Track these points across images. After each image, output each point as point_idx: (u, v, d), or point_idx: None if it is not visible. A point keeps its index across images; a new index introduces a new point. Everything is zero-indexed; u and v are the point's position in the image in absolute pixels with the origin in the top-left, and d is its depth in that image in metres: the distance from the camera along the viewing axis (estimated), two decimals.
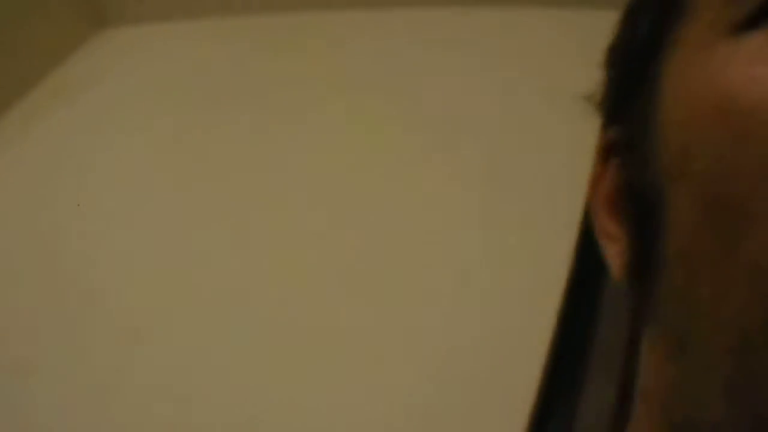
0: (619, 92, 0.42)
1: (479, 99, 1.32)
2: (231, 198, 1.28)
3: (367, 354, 1.04)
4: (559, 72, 1.24)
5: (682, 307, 0.35)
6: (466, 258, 1.12)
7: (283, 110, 1.38)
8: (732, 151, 0.32)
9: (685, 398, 0.34)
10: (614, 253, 0.40)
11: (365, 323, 1.07)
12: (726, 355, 0.32)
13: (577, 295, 1.04)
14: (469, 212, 1.18)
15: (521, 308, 1.04)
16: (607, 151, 0.42)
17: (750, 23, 0.34)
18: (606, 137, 0.42)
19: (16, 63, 1.51)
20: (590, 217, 0.42)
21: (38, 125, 1.46)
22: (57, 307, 1.16)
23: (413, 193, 1.22)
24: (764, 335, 0.30)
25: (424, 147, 1.28)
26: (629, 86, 0.40)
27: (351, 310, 1.08)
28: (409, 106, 1.34)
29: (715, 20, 0.35)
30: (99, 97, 1.50)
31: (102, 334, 1.12)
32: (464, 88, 1.35)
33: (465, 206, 1.19)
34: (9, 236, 1.27)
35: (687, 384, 0.34)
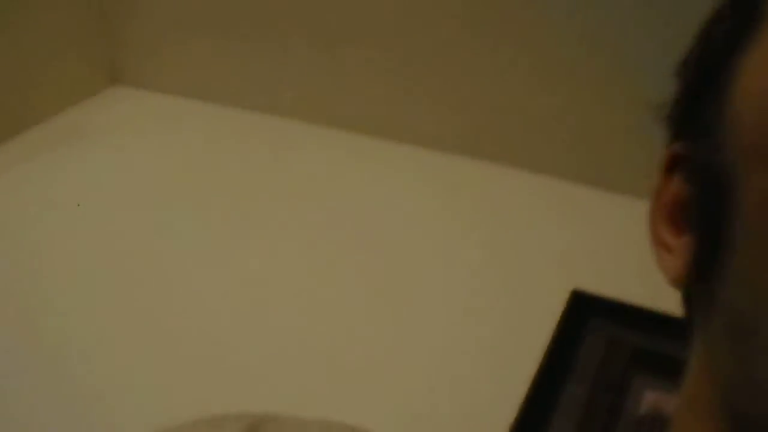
0: (687, 104, 0.41)
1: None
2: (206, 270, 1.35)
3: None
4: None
5: (750, 291, 0.34)
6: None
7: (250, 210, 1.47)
8: None
9: (751, 386, 0.33)
10: (669, 263, 0.40)
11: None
12: None
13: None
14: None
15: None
16: (671, 165, 0.41)
17: None
18: (671, 151, 0.42)
19: (29, 100, 1.60)
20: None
21: (37, 158, 1.54)
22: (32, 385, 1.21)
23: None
24: None
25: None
26: (699, 97, 0.40)
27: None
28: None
29: None
30: (93, 145, 1.59)
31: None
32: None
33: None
34: None
35: (754, 370, 0.33)
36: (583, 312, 1.23)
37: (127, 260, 1.34)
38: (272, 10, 1.60)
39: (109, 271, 1.32)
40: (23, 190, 1.48)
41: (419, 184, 1.52)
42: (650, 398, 1.13)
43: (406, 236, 1.40)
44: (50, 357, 1.17)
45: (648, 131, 1.20)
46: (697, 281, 0.38)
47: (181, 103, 1.73)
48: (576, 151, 1.48)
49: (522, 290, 1.29)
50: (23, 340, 1.20)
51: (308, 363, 1.17)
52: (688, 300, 0.41)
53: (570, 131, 1.47)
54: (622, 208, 1.41)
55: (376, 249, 1.38)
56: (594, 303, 1.24)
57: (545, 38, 1.42)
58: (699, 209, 0.39)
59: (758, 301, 0.33)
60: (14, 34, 1.52)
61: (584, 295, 1.25)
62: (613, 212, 1.42)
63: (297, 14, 1.59)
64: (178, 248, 1.37)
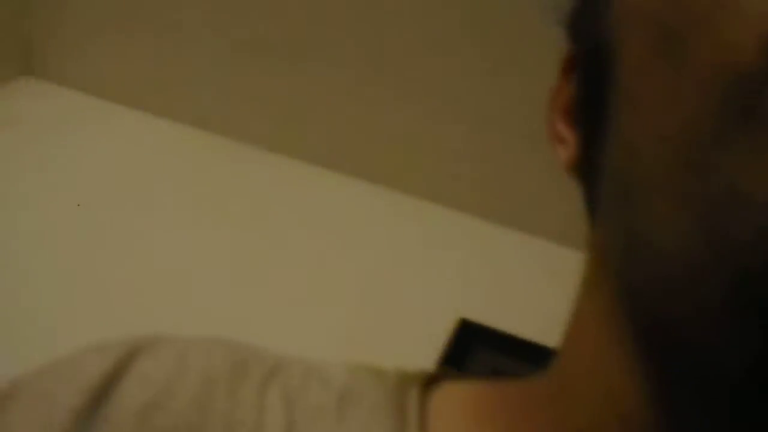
0: (580, 8, 0.43)
1: None
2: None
3: None
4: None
5: (625, 148, 0.34)
6: None
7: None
8: None
9: (637, 246, 0.33)
10: (563, 153, 0.42)
11: None
12: (676, 174, 0.30)
13: None
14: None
15: None
16: (567, 67, 0.43)
17: None
18: (567, 54, 0.43)
19: None
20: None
21: None
22: None
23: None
24: (716, 141, 0.29)
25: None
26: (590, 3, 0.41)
27: None
28: None
29: None
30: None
31: None
32: None
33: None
34: None
35: (636, 226, 0.33)
36: (469, 341, 1.23)
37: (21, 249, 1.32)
38: (201, 15, 1.59)
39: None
40: None
41: (305, 205, 1.52)
42: None
43: (286, 259, 1.39)
44: None
45: (541, 167, 1.23)
46: (587, 162, 0.40)
47: (93, 102, 1.70)
48: (474, 184, 1.49)
49: (408, 317, 1.28)
50: None
51: None
52: (583, 187, 0.42)
53: (468, 163, 1.48)
54: (513, 242, 1.43)
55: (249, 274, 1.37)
56: (480, 333, 1.25)
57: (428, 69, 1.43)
58: (588, 96, 0.40)
59: (633, 155, 0.33)
60: None
61: (471, 324, 1.26)
62: (504, 246, 1.43)
63: (223, 19, 1.58)
64: (78, 241, 1.36)
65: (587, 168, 0.40)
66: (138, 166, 1.57)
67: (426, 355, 1.21)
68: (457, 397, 0.44)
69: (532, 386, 0.42)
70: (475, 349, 1.22)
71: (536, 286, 1.31)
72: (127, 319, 1.23)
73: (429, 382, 0.44)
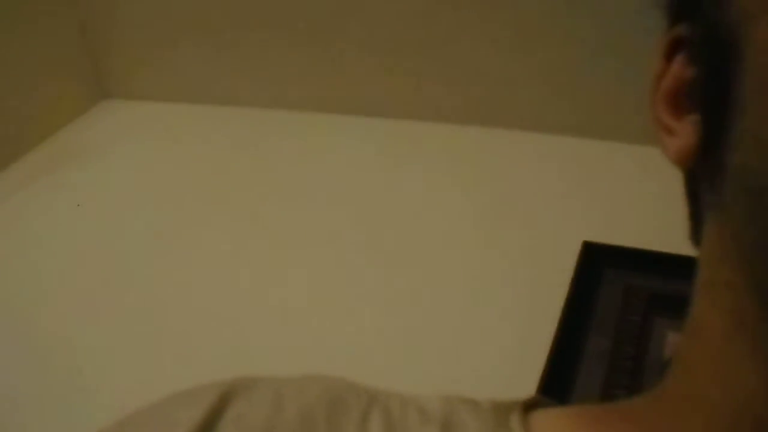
0: None
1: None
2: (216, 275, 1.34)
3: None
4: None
5: (758, 147, 0.32)
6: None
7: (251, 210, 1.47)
8: None
9: None
10: (672, 144, 0.39)
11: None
12: None
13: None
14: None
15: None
16: (671, 49, 0.40)
17: None
18: (670, 35, 0.40)
19: (21, 125, 1.61)
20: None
21: (37, 182, 1.54)
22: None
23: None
24: None
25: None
26: None
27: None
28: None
29: None
30: (94, 164, 1.59)
31: None
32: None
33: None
34: None
35: None
36: (596, 263, 1.23)
37: (136, 278, 1.33)
38: (253, 8, 1.60)
39: (118, 291, 1.31)
40: (25, 216, 1.48)
41: (419, 157, 1.53)
42: (673, 340, 1.13)
43: (413, 209, 1.40)
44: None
45: (638, 78, 1.22)
46: (704, 155, 0.37)
47: (172, 108, 1.73)
48: (571, 105, 1.48)
49: (534, 247, 1.29)
50: (28, 358, 1.20)
51: (324, 354, 1.16)
52: (693, 180, 0.40)
53: (562, 86, 1.47)
54: (618, 155, 1.42)
55: (385, 223, 1.38)
56: (605, 253, 1.24)
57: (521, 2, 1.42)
58: (704, 83, 0.38)
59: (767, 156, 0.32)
60: None
61: (595, 246, 1.25)
62: (612, 160, 1.42)
63: (277, 9, 1.59)
64: (189, 259, 1.36)
65: (704, 162, 0.37)
66: (233, 158, 1.58)
67: (556, 282, 1.21)
68: (560, 419, 0.43)
69: (644, 401, 0.42)
70: (603, 270, 1.22)
71: (648, 195, 1.31)
72: (251, 323, 1.24)
73: (528, 407, 0.44)
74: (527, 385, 1.06)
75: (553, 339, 1.13)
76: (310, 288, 1.28)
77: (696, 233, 0.41)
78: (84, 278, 1.33)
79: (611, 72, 1.40)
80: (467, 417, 0.42)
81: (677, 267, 1.15)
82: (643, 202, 1.33)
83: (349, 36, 1.57)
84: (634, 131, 1.38)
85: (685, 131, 0.38)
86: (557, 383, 1.07)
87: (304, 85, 1.65)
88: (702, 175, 0.39)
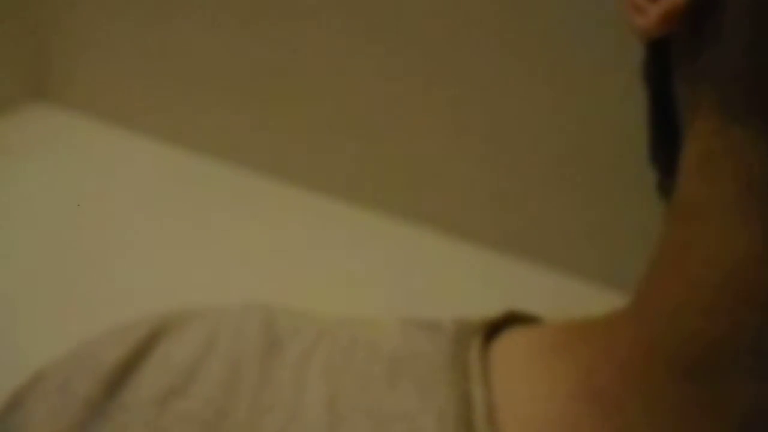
0: None
1: None
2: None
3: None
4: None
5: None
6: None
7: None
8: None
9: None
10: (652, 12, 0.36)
11: None
12: None
13: None
14: None
15: None
16: None
17: None
18: None
19: None
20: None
21: None
22: None
23: None
24: None
25: None
26: None
27: None
28: None
29: None
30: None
31: None
32: None
33: None
34: None
35: None
36: None
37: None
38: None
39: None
40: None
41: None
42: None
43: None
44: None
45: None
46: (695, 18, 0.35)
47: (107, 129, 1.64)
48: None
49: None
50: None
51: None
52: (663, 56, 0.37)
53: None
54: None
55: None
56: None
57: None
58: None
59: None
60: None
61: None
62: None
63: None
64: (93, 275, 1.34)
65: (693, 27, 0.35)
66: (151, 197, 1.52)
67: None
68: (524, 341, 0.41)
69: (623, 310, 0.38)
70: None
71: None
72: None
73: (492, 330, 0.41)
74: None
75: None
76: None
77: (664, 114, 0.38)
78: None
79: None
80: (422, 346, 0.40)
81: None
82: None
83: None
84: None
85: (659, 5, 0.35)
86: None
87: (250, 142, 1.59)
88: (684, 45, 0.36)
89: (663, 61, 0.38)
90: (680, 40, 0.36)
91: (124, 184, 1.54)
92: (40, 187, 1.50)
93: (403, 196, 1.48)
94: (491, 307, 1.23)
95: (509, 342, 0.41)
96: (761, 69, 0.32)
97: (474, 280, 1.39)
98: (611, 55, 1.05)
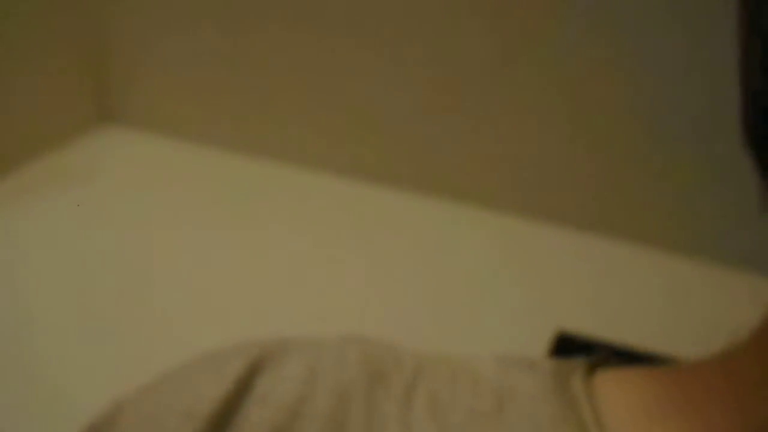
0: None
1: None
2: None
3: None
4: None
5: None
6: None
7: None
8: None
9: None
10: None
11: None
12: None
13: None
14: None
15: None
16: None
17: None
18: None
19: (14, 139, 1.55)
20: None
21: (22, 203, 1.50)
22: None
23: None
24: None
25: None
26: None
27: None
28: None
29: None
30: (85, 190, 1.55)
31: None
32: None
33: None
34: None
35: None
36: (569, 354, 1.13)
37: (123, 313, 1.30)
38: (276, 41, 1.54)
39: (103, 324, 1.28)
40: (3, 239, 1.43)
41: (364, 226, 1.47)
42: None
43: (355, 291, 1.34)
44: None
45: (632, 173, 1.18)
46: None
47: (178, 145, 1.67)
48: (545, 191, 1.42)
49: (499, 337, 1.21)
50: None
51: None
52: None
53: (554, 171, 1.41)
54: (602, 249, 1.36)
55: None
56: (580, 344, 1.17)
57: None
58: None
59: None
60: None
61: (570, 336, 1.19)
62: (594, 253, 1.36)
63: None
64: (174, 299, 1.33)
65: None
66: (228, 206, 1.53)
67: None
68: (626, 383, 0.39)
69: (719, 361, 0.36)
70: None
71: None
72: None
73: (590, 369, 0.40)
74: None
75: None
76: None
77: None
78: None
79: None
80: (524, 383, 0.39)
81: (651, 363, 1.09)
82: (621, 295, 1.28)
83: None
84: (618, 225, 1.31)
85: None
86: None
87: (324, 143, 1.59)
88: None
89: None
90: None
91: (196, 196, 1.55)
92: (113, 209, 1.52)
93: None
94: (515, 272, 1.24)
95: (612, 380, 0.39)
96: None
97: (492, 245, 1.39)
98: None
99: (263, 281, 1.36)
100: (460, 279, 1.34)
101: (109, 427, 0.39)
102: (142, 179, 1.59)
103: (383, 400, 0.38)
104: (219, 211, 1.52)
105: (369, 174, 1.53)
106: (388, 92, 1.49)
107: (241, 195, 1.56)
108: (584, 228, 1.38)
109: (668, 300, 1.24)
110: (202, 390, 0.38)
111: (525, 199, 1.42)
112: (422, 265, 1.38)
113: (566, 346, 1.16)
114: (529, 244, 1.39)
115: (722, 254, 1.27)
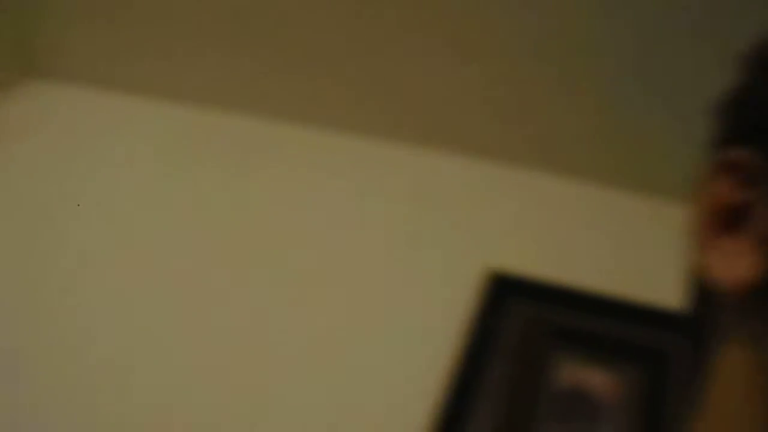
0: (747, 105, 0.38)
1: None
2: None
3: None
4: None
5: None
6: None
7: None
8: None
9: None
10: (726, 265, 0.36)
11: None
12: None
13: None
14: None
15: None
16: (724, 167, 0.38)
17: None
18: (724, 157, 0.38)
19: None
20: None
21: None
22: None
23: None
24: None
25: None
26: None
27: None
28: None
29: None
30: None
31: None
32: None
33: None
34: None
35: None
36: (501, 292, 1.19)
37: (55, 265, 1.31)
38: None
39: (36, 280, 1.29)
40: None
41: (330, 171, 1.48)
42: (570, 373, 1.12)
43: (317, 225, 1.36)
44: None
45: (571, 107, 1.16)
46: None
47: (105, 95, 1.65)
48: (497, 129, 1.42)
49: (437, 271, 1.26)
50: None
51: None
52: (748, 305, 0.36)
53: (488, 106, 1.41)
54: (538, 185, 1.37)
55: (293, 243, 1.34)
56: (511, 282, 1.21)
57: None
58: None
59: None
60: None
61: (502, 275, 1.21)
62: (530, 190, 1.38)
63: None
64: (106, 247, 1.33)
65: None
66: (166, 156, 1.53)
67: (462, 310, 1.17)
68: None
69: None
70: (507, 300, 1.17)
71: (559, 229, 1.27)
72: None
73: None
74: (421, 414, 1.05)
75: (454, 364, 1.12)
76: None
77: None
78: None
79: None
80: None
81: (579, 302, 1.14)
82: (550, 233, 1.28)
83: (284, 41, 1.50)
84: (552, 160, 1.32)
85: (744, 253, 0.36)
86: (453, 413, 1.07)
87: (243, 87, 1.58)
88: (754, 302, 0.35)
89: None
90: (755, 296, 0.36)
91: (126, 146, 1.55)
92: (46, 158, 1.51)
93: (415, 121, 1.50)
94: (513, 218, 1.23)
95: None
96: None
97: (490, 193, 1.40)
98: None
99: (195, 225, 1.38)
100: (385, 219, 1.36)
101: None
102: (69, 130, 1.58)
103: None
104: (159, 162, 1.52)
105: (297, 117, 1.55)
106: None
107: (176, 142, 1.56)
108: (509, 162, 1.40)
109: (599, 234, 1.27)
110: None
111: (443, 134, 1.44)
112: (363, 203, 1.39)
113: (499, 284, 1.19)
114: (455, 182, 1.40)
115: (652, 186, 1.30)
